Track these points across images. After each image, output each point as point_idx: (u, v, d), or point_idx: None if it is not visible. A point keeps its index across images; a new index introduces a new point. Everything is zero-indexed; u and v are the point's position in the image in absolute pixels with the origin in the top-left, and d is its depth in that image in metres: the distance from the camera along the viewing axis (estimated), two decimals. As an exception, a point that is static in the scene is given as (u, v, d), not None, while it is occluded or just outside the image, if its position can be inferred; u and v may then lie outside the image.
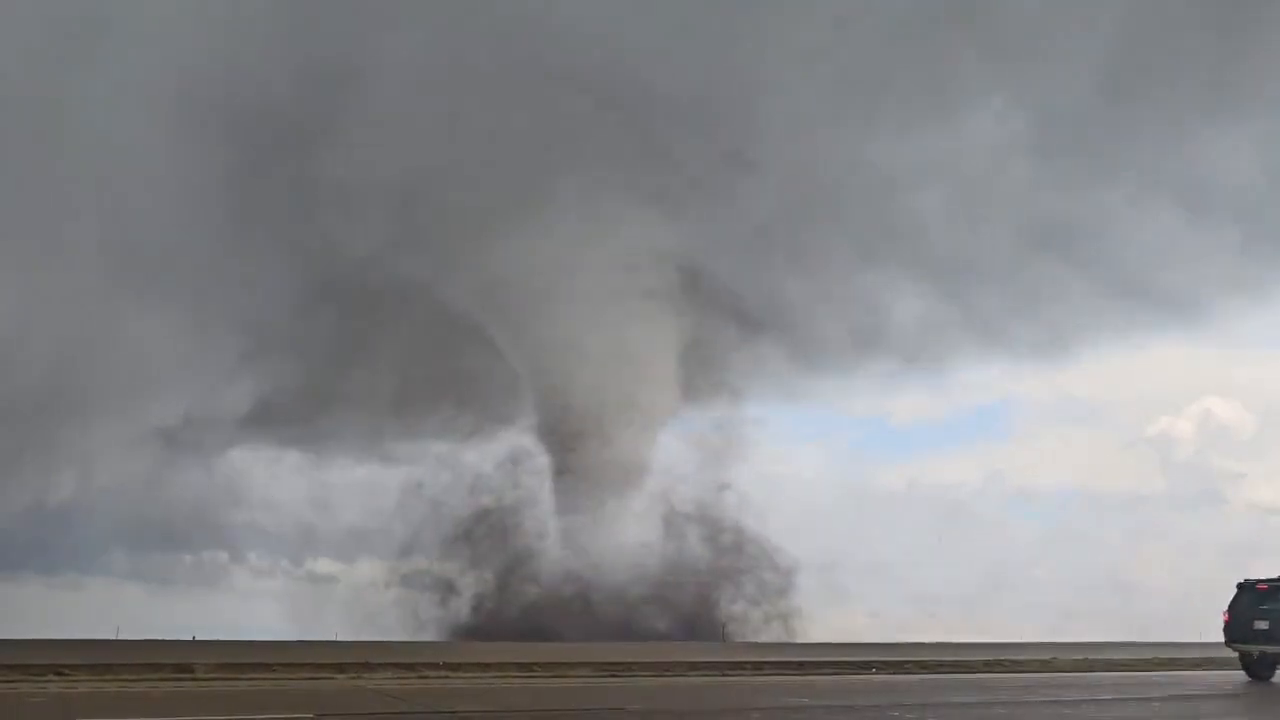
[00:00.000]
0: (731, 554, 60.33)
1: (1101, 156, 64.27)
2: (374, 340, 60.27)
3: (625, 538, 58.07)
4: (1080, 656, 34.00)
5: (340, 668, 24.17)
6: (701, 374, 63.44)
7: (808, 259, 63.63)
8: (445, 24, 52.89)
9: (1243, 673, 28.00)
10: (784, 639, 53.71)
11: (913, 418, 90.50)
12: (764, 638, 54.99)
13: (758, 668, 28.22)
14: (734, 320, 64.49)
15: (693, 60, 53.82)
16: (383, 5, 53.02)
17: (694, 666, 28.08)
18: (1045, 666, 30.96)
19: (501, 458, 70.81)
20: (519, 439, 67.10)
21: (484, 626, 56.97)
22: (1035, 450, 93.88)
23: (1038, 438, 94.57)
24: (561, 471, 58.62)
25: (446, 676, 23.81)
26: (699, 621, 58.44)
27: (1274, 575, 29.19)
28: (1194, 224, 69.66)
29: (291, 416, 62.91)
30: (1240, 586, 28.57)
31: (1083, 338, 76.38)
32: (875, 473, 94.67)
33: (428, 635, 57.36)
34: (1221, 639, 28.53)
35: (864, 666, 29.30)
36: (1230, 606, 28.54)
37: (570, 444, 57.14)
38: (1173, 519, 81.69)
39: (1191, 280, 71.76)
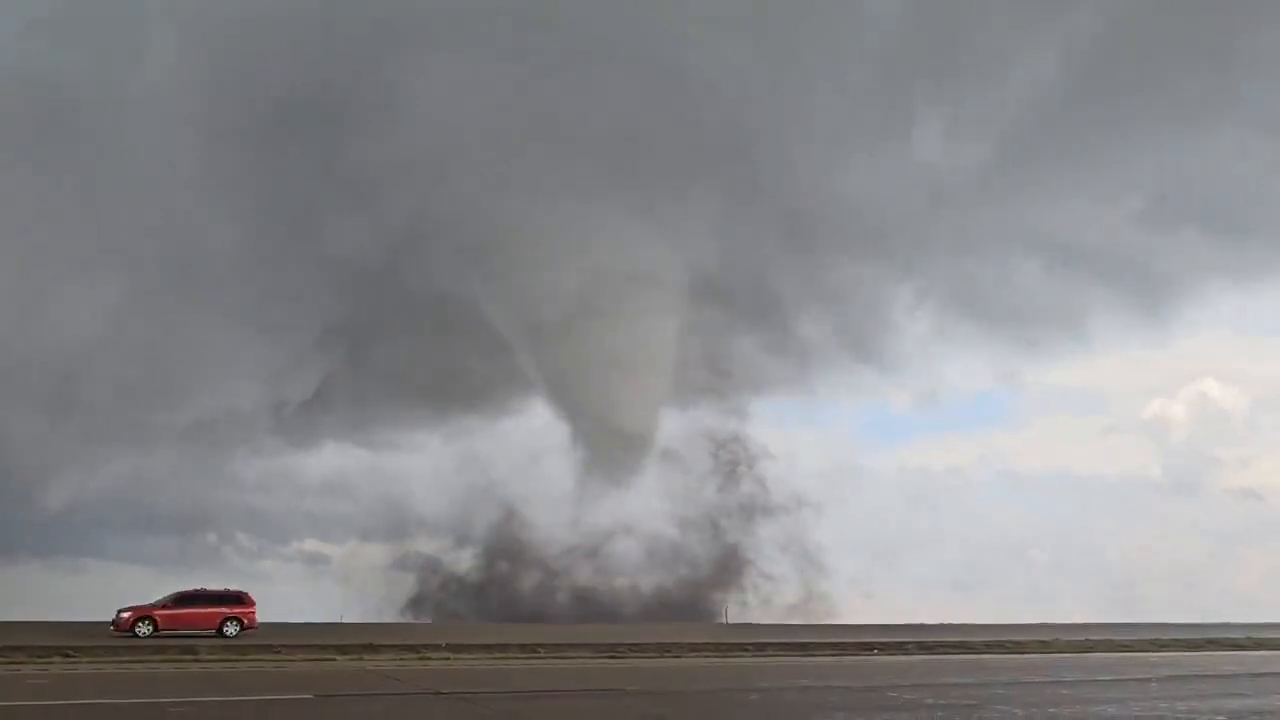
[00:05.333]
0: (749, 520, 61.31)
1: (1075, 161, 67.43)
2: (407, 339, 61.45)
3: (639, 509, 58.98)
4: (1081, 638, 34.10)
5: (342, 649, 24.28)
6: (711, 365, 64.28)
7: (812, 264, 65.77)
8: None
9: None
10: (794, 619, 54.06)
11: (910, 405, 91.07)
12: (766, 616, 55.41)
13: (759, 649, 28.32)
14: (745, 319, 65.55)
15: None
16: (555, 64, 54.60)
17: (694, 648, 28.16)
18: (1045, 648, 31.03)
19: (510, 443, 71.11)
20: (531, 425, 67.62)
21: (500, 609, 57.50)
22: (1029, 436, 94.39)
23: (1033, 424, 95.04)
24: (580, 446, 59.12)
25: (448, 658, 23.90)
26: (700, 603, 58.78)
27: None
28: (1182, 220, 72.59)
29: (317, 410, 63.90)
30: None
31: (1078, 327, 77.89)
32: (872, 459, 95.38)
33: (437, 617, 57.83)
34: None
35: (865, 647, 29.40)
36: None
37: (589, 424, 57.74)
38: (1162, 502, 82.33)
39: (1181, 269, 73.95)
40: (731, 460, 63.69)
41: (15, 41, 57.12)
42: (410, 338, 62.06)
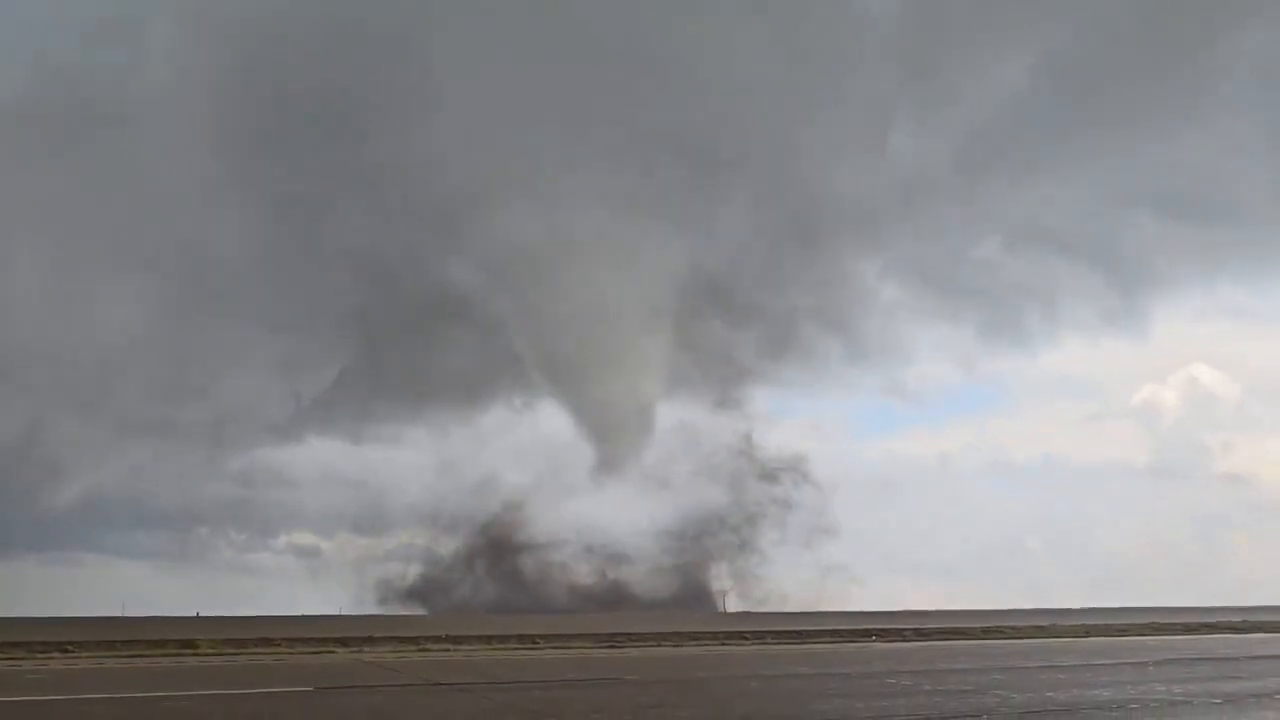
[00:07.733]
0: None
1: (1063, 153, 68.96)
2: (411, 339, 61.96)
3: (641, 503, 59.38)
4: (1077, 623, 34.22)
5: (342, 641, 24.29)
6: (704, 355, 64.62)
7: (803, 257, 66.63)
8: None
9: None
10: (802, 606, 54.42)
11: (899, 395, 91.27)
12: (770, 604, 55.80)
13: (758, 637, 28.36)
14: (737, 311, 65.89)
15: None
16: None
17: (693, 637, 28.20)
18: (1041, 633, 31.15)
19: (506, 436, 71.16)
20: (526, 418, 67.80)
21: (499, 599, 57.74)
22: (1020, 424, 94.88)
23: (1023, 411, 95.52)
24: (580, 436, 59.39)
25: (448, 649, 23.91)
26: (699, 592, 59.04)
27: None
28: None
29: (311, 407, 64.30)
30: None
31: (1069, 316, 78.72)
32: (863, 447, 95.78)
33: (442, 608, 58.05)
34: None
35: (863, 635, 29.46)
36: None
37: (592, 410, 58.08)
38: (1152, 488, 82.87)
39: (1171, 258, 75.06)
40: (724, 450, 63.81)
41: (45, 44, 57.33)
42: (410, 335, 62.36)
